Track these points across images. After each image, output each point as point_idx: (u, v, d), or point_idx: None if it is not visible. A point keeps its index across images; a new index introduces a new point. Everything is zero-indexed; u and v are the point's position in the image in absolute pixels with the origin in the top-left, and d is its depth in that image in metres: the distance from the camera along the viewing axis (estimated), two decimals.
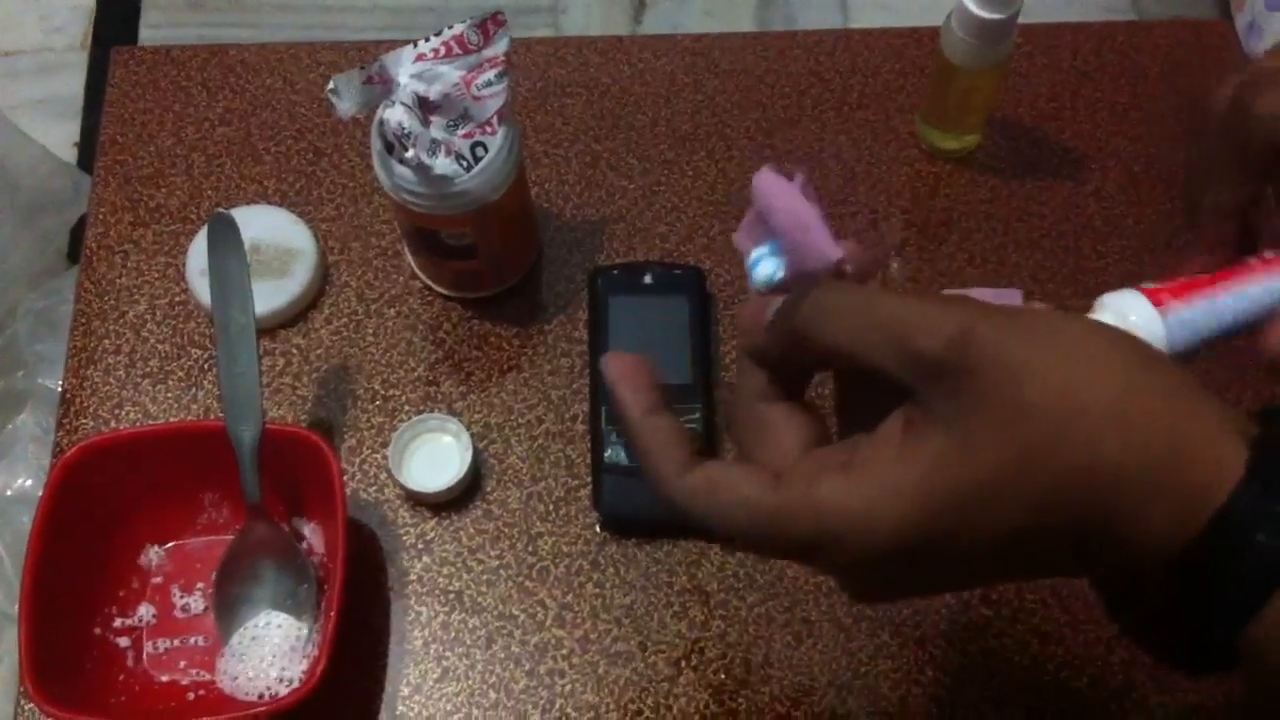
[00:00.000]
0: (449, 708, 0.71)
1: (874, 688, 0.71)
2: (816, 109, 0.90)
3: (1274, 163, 0.51)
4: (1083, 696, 0.71)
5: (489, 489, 0.77)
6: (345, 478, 0.74)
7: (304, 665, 0.69)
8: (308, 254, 0.82)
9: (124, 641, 0.71)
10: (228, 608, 0.71)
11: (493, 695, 0.72)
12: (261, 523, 0.71)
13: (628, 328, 0.79)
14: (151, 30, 1.81)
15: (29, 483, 1.24)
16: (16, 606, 0.67)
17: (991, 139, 0.89)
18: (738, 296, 0.82)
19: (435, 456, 0.76)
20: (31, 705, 0.70)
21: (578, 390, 0.80)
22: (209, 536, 0.75)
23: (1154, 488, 0.37)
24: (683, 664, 0.72)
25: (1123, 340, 0.39)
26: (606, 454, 0.75)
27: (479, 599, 0.74)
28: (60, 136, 1.67)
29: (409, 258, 0.83)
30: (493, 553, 0.75)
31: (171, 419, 0.80)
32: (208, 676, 0.71)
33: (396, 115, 0.68)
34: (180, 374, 0.81)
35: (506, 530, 0.76)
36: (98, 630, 0.71)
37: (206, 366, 0.81)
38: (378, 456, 0.78)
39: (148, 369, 0.81)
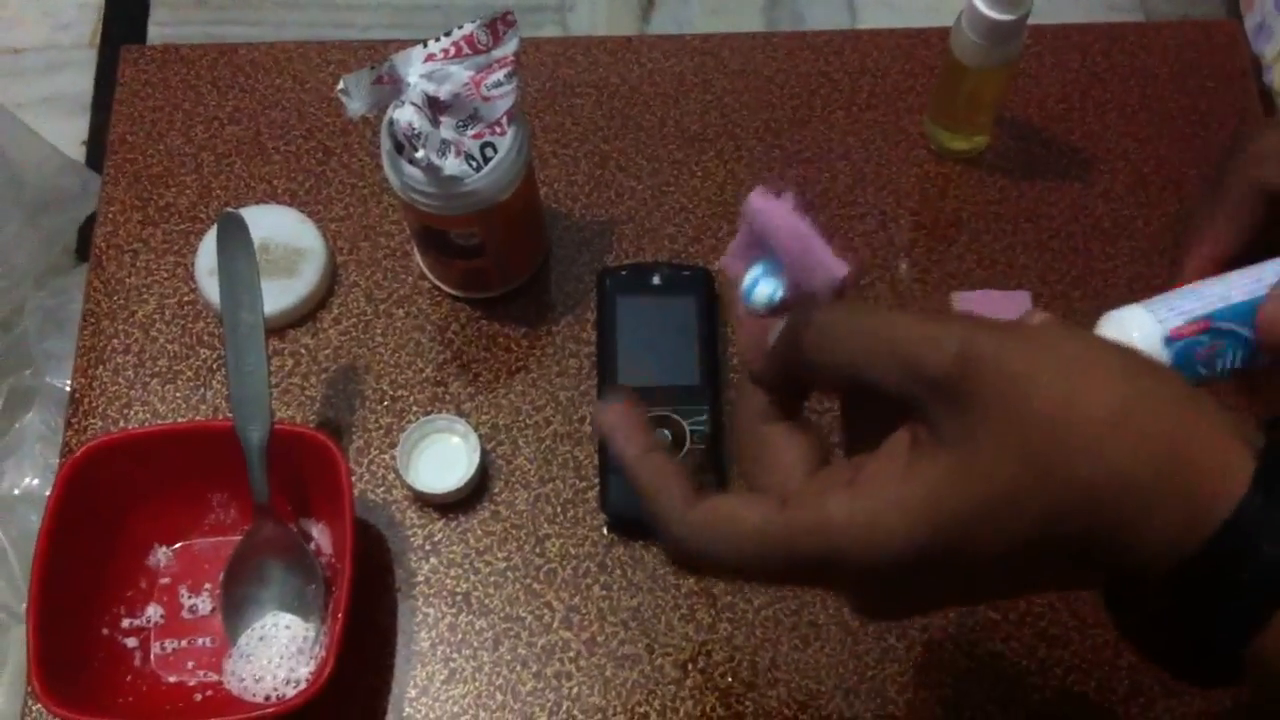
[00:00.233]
0: (456, 709, 0.71)
1: (881, 691, 0.71)
2: (825, 109, 0.90)
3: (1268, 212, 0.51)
4: (1090, 700, 0.71)
5: (497, 490, 0.77)
6: (353, 478, 0.74)
7: (311, 666, 0.69)
8: (317, 254, 0.82)
9: (131, 642, 0.71)
10: (235, 608, 0.71)
11: (499, 697, 0.72)
12: (269, 523, 0.71)
13: (636, 329, 0.79)
14: (159, 28, 1.81)
15: (36, 481, 1.24)
16: (24, 605, 0.67)
17: (1000, 140, 0.88)
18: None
19: (443, 457, 0.76)
20: (39, 705, 0.71)
21: (586, 391, 0.80)
22: (217, 537, 0.75)
23: (1159, 496, 0.37)
24: (689, 667, 0.72)
25: (1122, 350, 0.39)
26: (614, 456, 0.74)
27: (486, 600, 0.74)
28: (68, 134, 1.67)
29: (418, 258, 0.83)
30: (500, 554, 0.75)
31: (180, 419, 0.80)
32: (215, 677, 0.71)
33: (406, 115, 0.68)
34: (189, 374, 0.81)
35: (514, 532, 0.76)
36: (105, 630, 0.71)
37: (215, 366, 0.81)
38: (385, 457, 0.78)
39: (156, 368, 0.81)
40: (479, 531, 0.76)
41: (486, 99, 0.70)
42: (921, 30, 0.93)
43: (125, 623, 0.72)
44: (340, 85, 0.67)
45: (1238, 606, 0.36)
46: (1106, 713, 0.71)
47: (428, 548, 0.76)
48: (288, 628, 0.71)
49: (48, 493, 0.69)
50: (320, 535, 0.74)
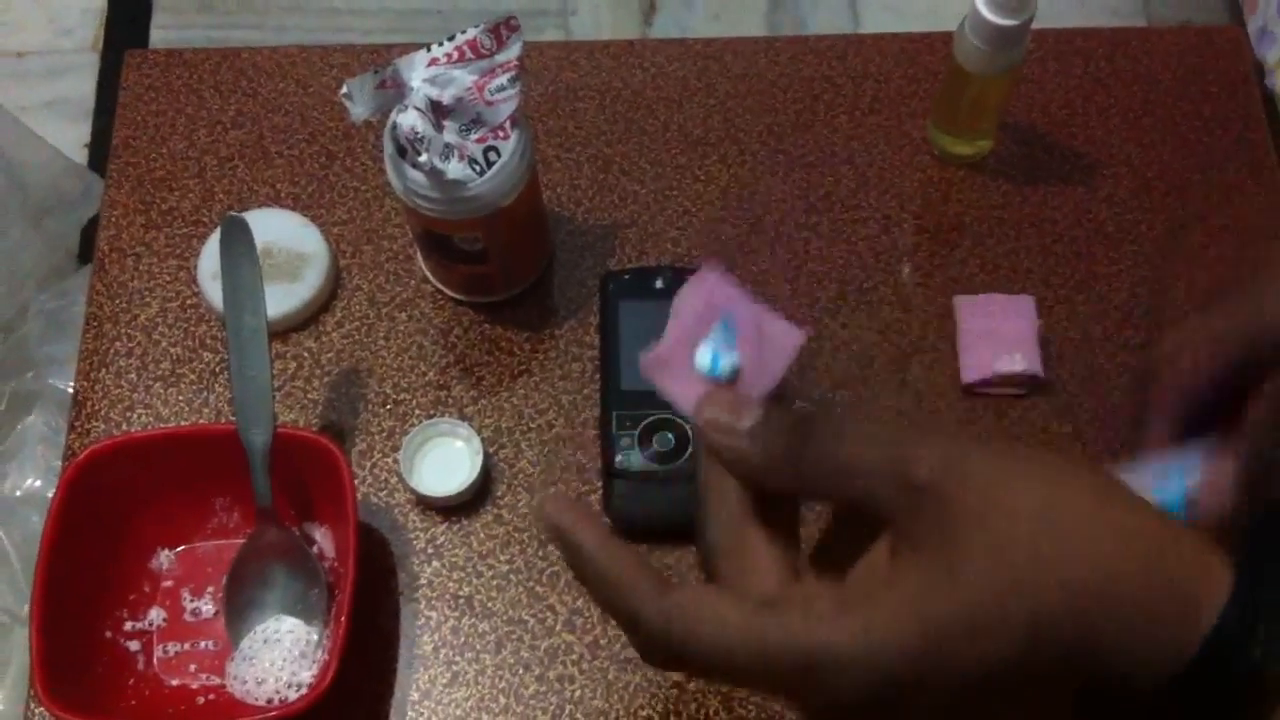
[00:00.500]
0: (458, 713, 0.71)
1: None
2: (828, 114, 0.90)
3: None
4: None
5: (499, 493, 0.77)
6: (356, 482, 0.74)
7: (314, 670, 0.69)
8: (319, 257, 0.82)
9: (134, 645, 0.71)
10: (238, 612, 0.71)
11: (502, 700, 0.72)
12: (272, 527, 0.71)
13: (639, 332, 0.78)
14: (162, 32, 1.81)
15: (38, 483, 1.24)
16: (26, 607, 0.67)
17: (1003, 144, 0.88)
18: None
19: (446, 461, 0.76)
20: (41, 709, 0.71)
21: (588, 395, 0.80)
22: (220, 540, 0.75)
23: (1143, 603, 0.37)
24: None
25: (1093, 468, 0.40)
26: (617, 459, 0.75)
27: (489, 604, 0.74)
28: (71, 138, 1.67)
29: (420, 262, 0.83)
30: (503, 557, 0.75)
31: (183, 422, 0.80)
32: (218, 681, 0.71)
33: (409, 119, 0.68)
34: (192, 377, 0.81)
35: (517, 535, 0.76)
36: (108, 634, 0.71)
37: (218, 370, 0.81)
38: (388, 460, 0.78)
39: (159, 372, 0.81)
40: (482, 535, 0.76)
41: (490, 103, 0.70)
42: (925, 35, 0.93)
43: (128, 626, 0.72)
44: (343, 89, 0.68)
45: (1236, 713, 0.37)
46: None
47: (430, 551, 0.76)
48: (290, 631, 0.71)
49: (50, 494, 0.70)
50: (323, 539, 0.74)
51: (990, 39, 0.77)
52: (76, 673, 0.68)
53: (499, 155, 0.71)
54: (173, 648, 0.72)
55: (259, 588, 0.72)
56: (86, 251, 1.43)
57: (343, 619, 0.66)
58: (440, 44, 0.70)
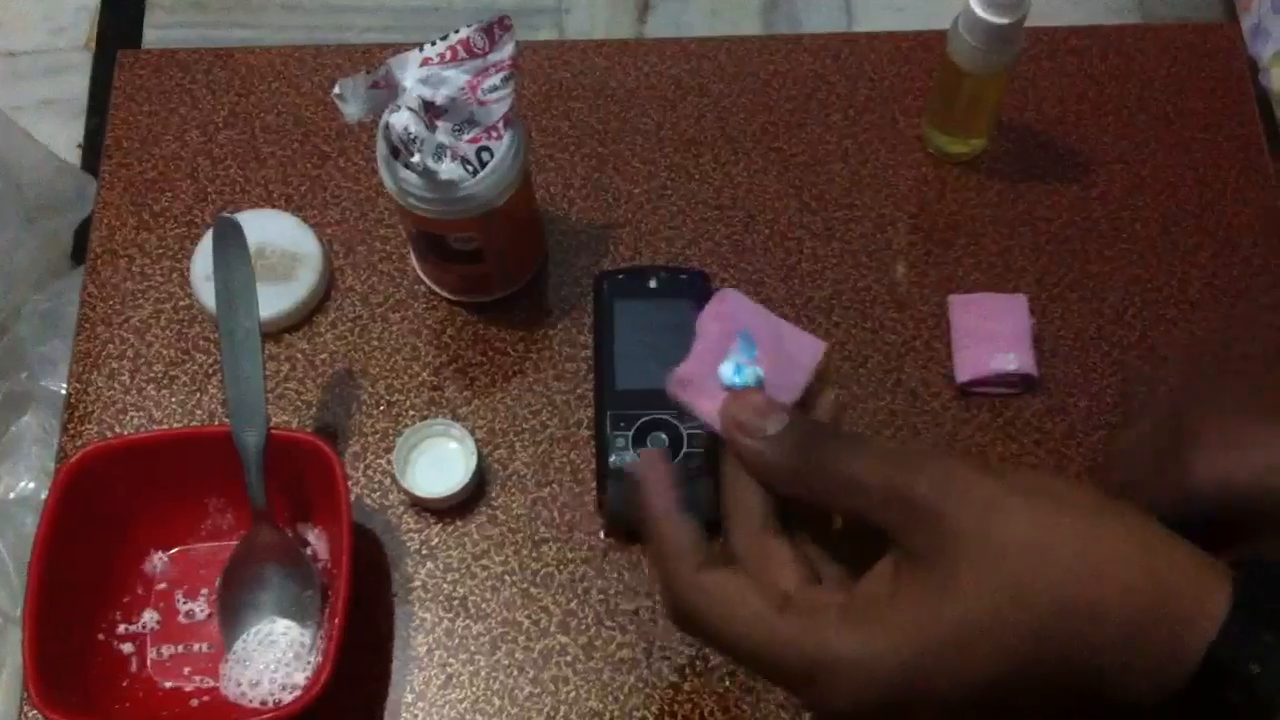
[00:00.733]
0: (453, 714, 0.71)
1: None
2: (823, 112, 0.90)
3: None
4: None
5: (493, 494, 0.77)
6: (349, 483, 0.74)
7: (308, 672, 0.69)
8: (313, 258, 0.82)
9: (128, 647, 0.71)
10: (232, 614, 0.71)
11: (497, 702, 0.72)
12: (266, 528, 0.71)
13: (633, 332, 0.78)
14: (155, 31, 1.81)
15: (31, 485, 1.24)
16: (18, 610, 0.67)
17: (998, 143, 0.88)
18: None
19: (440, 462, 0.76)
20: (35, 711, 0.70)
21: (583, 395, 0.80)
22: (213, 542, 0.74)
23: (1139, 618, 0.37)
24: (687, 671, 0.72)
25: (1092, 489, 0.41)
26: (611, 459, 0.74)
27: (483, 605, 0.74)
28: (64, 137, 1.67)
29: (414, 262, 0.83)
30: (497, 558, 0.75)
31: (176, 424, 0.79)
32: (212, 683, 0.70)
33: (402, 119, 0.68)
34: (185, 379, 0.81)
35: (511, 536, 0.76)
36: (101, 636, 0.71)
37: (211, 371, 0.81)
38: (382, 462, 0.78)
39: (152, 373, 0.81)
40: (476, 536, 0.76)
41: (483, 103, 0.70)
42: (919, 33, 0.93)
43: (121, 628, 0.72)
44: (336, 89, 0.67)
45: None
46: None
47: (424, 552, 0.75)
48: (284, 633, 0.71)
49: (43, 496, 0.69)
50: (317, 540, 0.74)
51: (984, 37, 0.77)
52: (70, 675, 0.67)
53: (492, 155, 0.71)
54: (166, 650, 0.72)
55: (253, 590, 0.71)
56: (80, 252, 1.43)
57: (337, 621, 0.65)
58: (433, 43, 0.70)
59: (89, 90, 1.75)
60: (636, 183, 0.87)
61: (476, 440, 0.76)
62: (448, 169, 0.69)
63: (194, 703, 0.70)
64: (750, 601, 0.43)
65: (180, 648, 0.72)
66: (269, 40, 1.75)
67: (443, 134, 0.70)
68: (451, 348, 0.81)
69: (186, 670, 0.71)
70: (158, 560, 0.74)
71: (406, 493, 0.75)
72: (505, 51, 0.70)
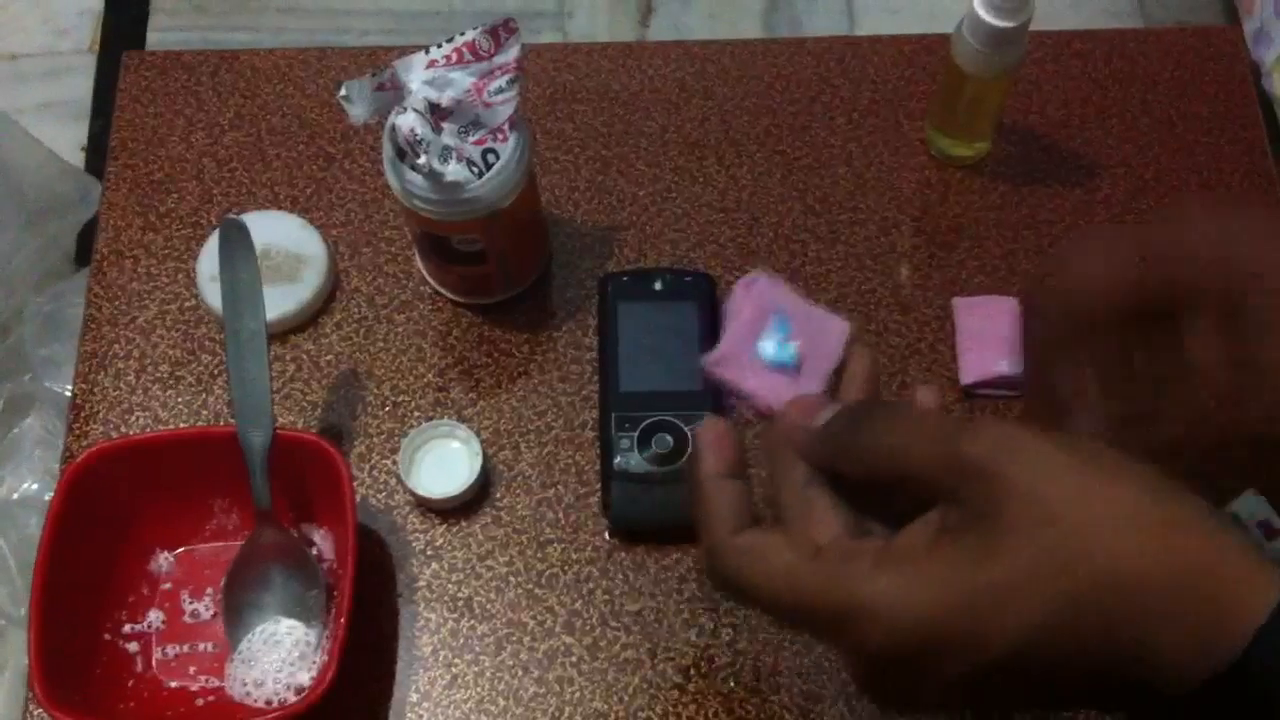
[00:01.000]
0: (458, 714, 0.71)
1: None
2: (826, 115, 0.90)
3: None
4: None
5: (498, 495, 0.77)
6: (355, 484, 0.74)
7: (313, 671, 0.69)
8: (318, 259, 0.82)
9: (133, 647, 0.71)
10: (237, 614, 0.71)
11: (501, 702, 0.72)
12: (271, 529, 0.71)
13: (637, 334, 0.79)
14: (159, 34, 1.81)
15: (35, 486, 1.24)
16: (23, 610, 0.67)
17: (1001, 146, 0.88)
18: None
19: (445, 463, 0.76)
20: (40, 710, 0.70)
21: (587, 397, 0.80)
22: (218, 542, 0.75)
23: (1181, 601, 0.37)
24: (692, 672, 0.72)
25: (1143, 467, 0.40)
26: (616, 460, 0.75)
27: (488, 605, 0.74)
28: (67, 140, 1.67)
29: (419, 263, 0.83)
30: (502, 559, 0.75)
31: (181, 424, 0.80)
32: (217, 682, 0.71)
33: (408, 121, 0.68)
34: (190, 379, 0.81)
35: (516, 537, 0.76)
36: (107, 636, 0.71)
37: (217, 372, 0.81)
38: (387, 462, 0.78)
39: (158, 374, 0.81)
40: (481, 536, 0.76)
41: (488, 105, 0.70)
42: (922, 36, 0.93)
43: (127, 628, 0.72)
44: (342, 91, 0.68)
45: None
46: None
47: (429, 553, 0.76)
48: (289, 633, 0.71)
49: (47, 497, 0.69)
50: (322, 540, 0.74)
51: (988, 40, 0.77)
52: (75, 675, 0.68)
53: (497, 157, 0.71)
54: (172, 650, 0.72)
55: (258, 590, 0.72)
56: (83, 254, 1.43)
57: (341, 620, 0.66)
58: (439, 46, 0.70)
59: (92, 93, 1.75)
60: (641, 185, 0.87)
61: (481, 441, 0.76)
62: (453, 171, 0.70)
63: (199, 702, 0.70)
64: (783, 554, 0.44)
65: (185, 647, 0.72)
66: (271, 44, 1.76)
67: (448, 136, 0.70)
68: (457, 349, 0.82)
69: (191, 670, 0.71)
70: (163, 560, 0.74)
71: (411, 493, 0.75)
72: (511, 54, 0.70)
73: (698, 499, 0.47)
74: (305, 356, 0.81)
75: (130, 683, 0.70)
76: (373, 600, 0.74)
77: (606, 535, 0.76)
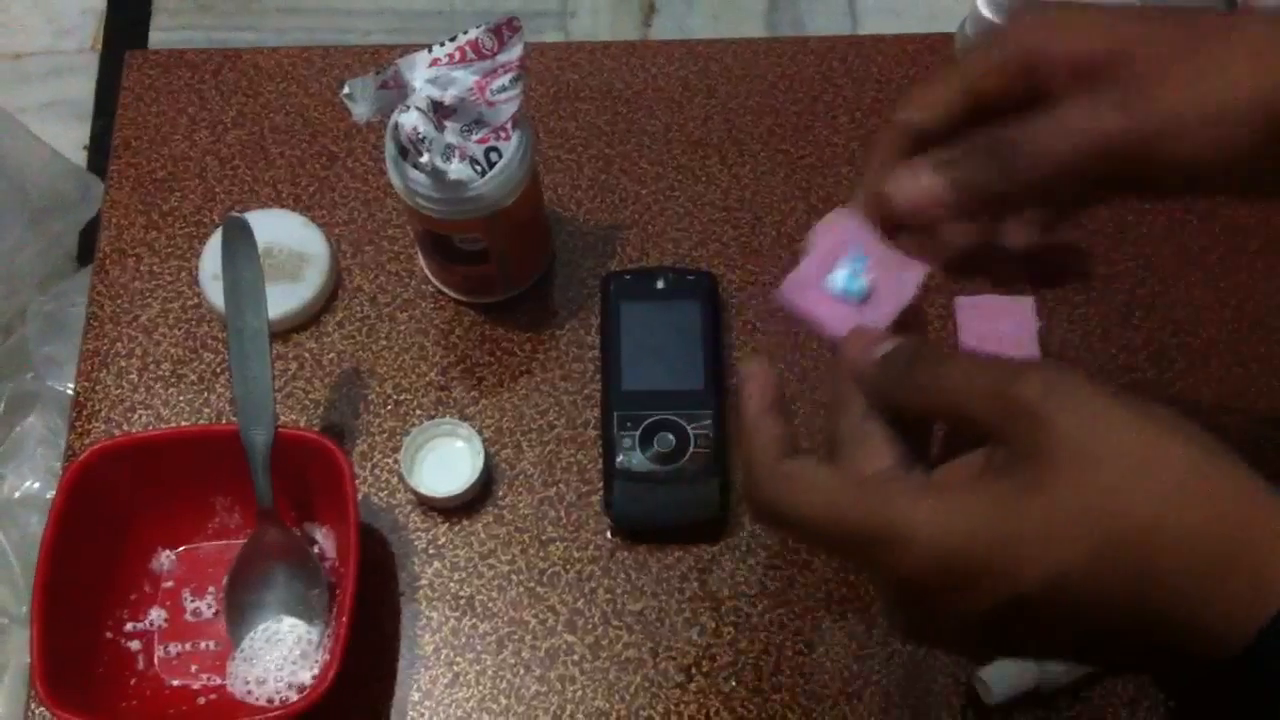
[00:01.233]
0: (459, 713, 0.71)
1: (886, 696, 0.71)
2: (829, 115, 0.90)
3: None
4: (1099, 706, 0.71)
5: (500, 494, 0.77)
6: (357, 482, 0.74)
7: (315, 670, 0.69)
8: (321, 258, 0.82)
9: (135, 645, 0.71)
10: (239, 612, 0.71)
11: (503, 700, 0.72)
12: (273, 527, 0.71)
13: (640, 333, 0.79)
14: (161, 33, 1.81)
15: (37, 485, 1.24)
16: (25, 608, 0.67)
17: None
18: (749, 301, 0.82)
19: (447, 461, 0.76)
20: (42, 709, 0.70)
21: (589, 395, 0.80)
22: (220, 541, 0.75)
23: (1207, 570, 0.37)
24: (694, 670, 0.72)
25: (1197, 430, 0.41)
26: (618, 459, 0.75)
27: (490, 604, 0.74)
28: (70, 139, 1.67)
29: (421, 262, 0.83)
30: (504, 558, 0.75)
31: (183, 423, 0.80)
32: (219, 681, 0.71)
33: (411, 120, 0.68)
34: (193, 378, 0.81)
35: (518, 535, 0.76)
36: (109, 634, 0.71)
37: (219, 370, 0.81)
38: (389, 461, 0.78)
39: (160, 373, 0.81)
40: (483, 535, 0.76)
41: (491, 104, 0.70)
42: (925, 36, 0.93)
43: (129, 626, 0.72)
44: (345, 90, 0.68)
45: None
46: (1115, 716, 0.71)
47: (431, 551, 0.75)
48: (291, 631, 0.71)
49: (49, 496, 0.69)
50: (324, 539, 0.74)
51: None
52: (77, 673, 0.68)
53: (500, 156, 0.71)
54: (173, 648, 0.72)
55: (260, 588, 0.72)
56: (85, 253, 1.43)
57: (343, 619, 0.66)
58: (442, 44, 0.70)
59: (95, 92, 1.75)
60: (643, 184, 0.87)
61: (483, 440, 0.76)
62: (456, 169, 0.70)
63: (201, 700, 0.70)
64: (826, 480, 0.44)
65: (187, 646, 0.72)
66: (273, 43, 1.76)
67: (451, 134, 0.70)
68: (459, 348, 0.82)
69: (193, 668, 0.71)
70: (165, 558, 0.74)
71: (413, 492, 0.75)
72: (514, 52, 0.70)
73: (743, 435, 0.48)
74: (307, 355, 0.81)
75: (132, 681, 0.70)
76: (375, 599, 0.74)
77: (608, 534, 0.76)
